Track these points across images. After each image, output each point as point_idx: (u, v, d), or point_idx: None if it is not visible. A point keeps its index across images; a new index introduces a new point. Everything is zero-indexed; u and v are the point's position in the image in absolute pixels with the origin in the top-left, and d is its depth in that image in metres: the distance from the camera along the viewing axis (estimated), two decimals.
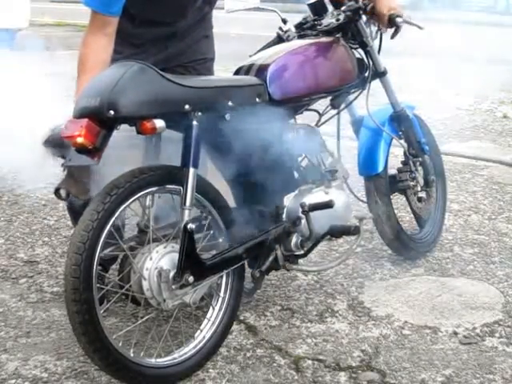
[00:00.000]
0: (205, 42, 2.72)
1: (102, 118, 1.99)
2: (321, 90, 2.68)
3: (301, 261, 2.62)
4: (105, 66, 2.34)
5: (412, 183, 3.10)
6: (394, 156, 3.10)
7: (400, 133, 3.07)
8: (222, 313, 2.34)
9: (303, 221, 2.53)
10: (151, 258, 2.12)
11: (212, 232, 2.33)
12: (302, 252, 2.57)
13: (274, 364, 2.33)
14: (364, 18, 2.82)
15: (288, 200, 2.57)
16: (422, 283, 2.92)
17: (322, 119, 2.75)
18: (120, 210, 2.07)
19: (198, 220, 2.27)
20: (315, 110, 2.75)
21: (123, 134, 2.10)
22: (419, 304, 2.73)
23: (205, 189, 2.27)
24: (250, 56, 2.69)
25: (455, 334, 2.52)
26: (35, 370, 2.28)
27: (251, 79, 2.45)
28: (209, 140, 2.31)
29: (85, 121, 1.98)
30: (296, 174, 2.67)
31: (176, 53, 2.62)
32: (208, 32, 2.74)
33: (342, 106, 2.85)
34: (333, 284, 2.90)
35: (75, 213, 2.65)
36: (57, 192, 2.12)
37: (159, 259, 2.13)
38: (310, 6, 2.90)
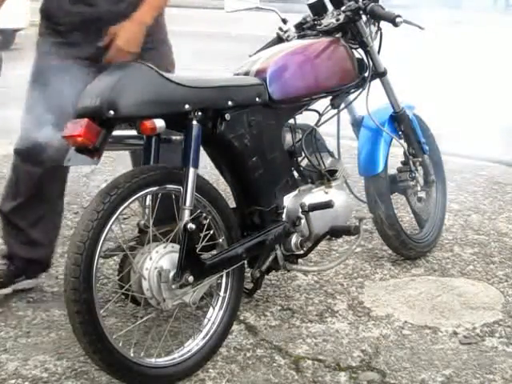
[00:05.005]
0: None
1: (101, 118, 2.00)
2: (321, 90, 2.68)
3: (301, 261, 2.63)
4: None
5: (412, 183, 3.10)
6: (393, 156, 3.10)
7: (400, 133, 3.07)
8: (222, 312, 2.34)
9: (303, 221, 2.53)
10: (151, 258, 2.12)
11: (212, 232, 2.33)
12: (301, 252, 2.57)
13: (274, 364, 2.33)
14: (364, 17, 2.82)
15: (288, 200, 2.57)
16: (422, 283, 2.92)
17: (322, 119, 2.74)
18: (120, 209, 2.07)
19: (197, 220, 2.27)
20: (315, 110, 2.74)
21: None
22: (419, 304, 2.73)
23: (205, 189, 2.27)
24: (250, 56, 2.69)
25: (455, 333, 2.52)
26: (35, 369, 2.27)
27: (251, 79, 2.45)
28: (209, 140, 2.31)
29: (85, 120, 1.98)
30: (296, 174, 2.67)
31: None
32: None
33: (342, 105, 2.85)
34: (333, 284, 2.90)
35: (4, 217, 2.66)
36: None
37: (159, 259, 2.13)
38: (310, 5, 2.90)
